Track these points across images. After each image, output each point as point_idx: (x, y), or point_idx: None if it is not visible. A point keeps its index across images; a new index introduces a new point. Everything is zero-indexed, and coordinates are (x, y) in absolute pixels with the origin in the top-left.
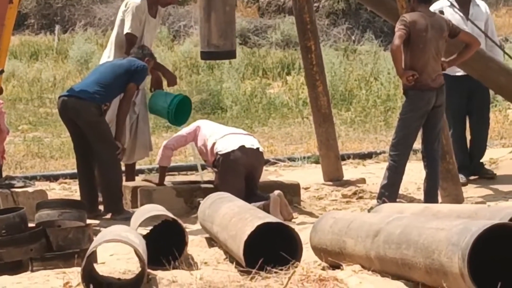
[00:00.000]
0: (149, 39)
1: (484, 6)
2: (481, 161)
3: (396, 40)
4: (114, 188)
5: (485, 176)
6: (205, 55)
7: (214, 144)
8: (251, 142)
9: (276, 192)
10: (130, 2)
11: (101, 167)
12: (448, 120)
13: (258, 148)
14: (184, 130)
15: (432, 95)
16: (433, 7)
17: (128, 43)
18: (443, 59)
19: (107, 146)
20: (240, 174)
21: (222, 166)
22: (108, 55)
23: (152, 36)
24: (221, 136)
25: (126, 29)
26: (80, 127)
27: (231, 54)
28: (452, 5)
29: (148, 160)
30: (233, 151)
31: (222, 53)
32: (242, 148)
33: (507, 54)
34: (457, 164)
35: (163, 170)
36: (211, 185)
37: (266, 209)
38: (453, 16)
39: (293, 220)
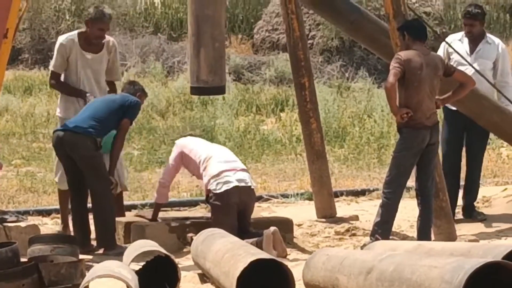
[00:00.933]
0: (91, 75)
1: (497, 45)
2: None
3: (391, 78)
4: (108, 223)
5: (476, 220)
6: (195, 91)
7: (208, 181)
8: (244, 180)
9: (272, 228)
10: (58, 40)
11: (96, 201)
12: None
13: (250, 186)
14: (170, 159)
15: (426, 133)
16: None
17: (50, 78)
18: (437, 97)
19: (102, 181)
20: (233, 212)
21: (215, 205)
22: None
23: (97, 71)
24: (216, 174)
25: (50, 66)
26: (75, 162)
27: (220, 90)
28: (460, 40)
29: (141, 195)
30: (226, 191)
31: (211, 88)
32: (235, 188)
33: (501, 92)
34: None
35: (159, 207)
36: (203, 220)
37: (259, 245)
38: (460, 51)
39: (286, 256)
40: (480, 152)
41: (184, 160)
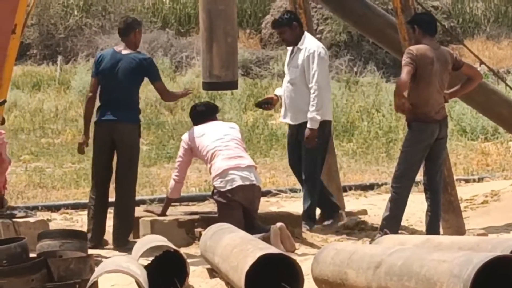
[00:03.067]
0: None
1: (304, 52)
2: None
3: (404, 76)
4: (131, 220)
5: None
6: (207, 86)
7: (214, 178)
8: (249, 178)
9: (278, 224)
10: None
11: (125, 198)
12: (317, 163)
13: (254, 184)
14: (179, 153)
15: (435, 127)
16: None
17: None
18: (445, 91)
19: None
20: (238, 208)
21: (219, 202)
22: None
23: None
24: (221, 172)
25: None
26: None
27: (233, 85)
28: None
29: (149, 190)
30: (230, 190)
31: (224, 83)
32: (239, 187)
33: (510, 86)
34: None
35: (170, 202)
36: (212, 215)
37: (266, 241)
38: (287, 56)
39: (294, 251)
40: (314, 158)
41: (194, 154)
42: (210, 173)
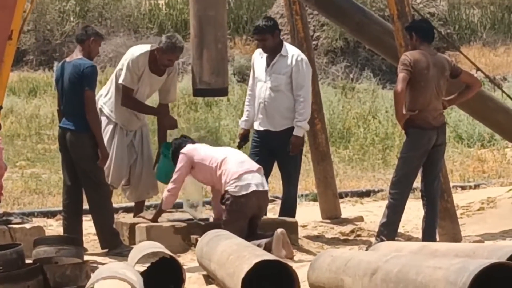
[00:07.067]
0: (143, 92)
1: (291, 59)
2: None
3: (400, 83)
4: (107, 224)
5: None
6: (197, 92)
7: (227, 182)
8: (262, 183)
9: (279, 230)
10: (129, 54)
11: (93, 207)
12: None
13: (266, 190)
14: (178, 167)
15: (433, 133)
16: None
17: (123, 93)
18: (443, 98)
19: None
20: (246, 216)
21: (231, 206)
22: (105, 93)
23: (152, 92)
24: (236, 176)
25: (120, 80)
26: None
27: (222, 92)
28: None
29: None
30: (244, 196)
31: (214, 90)
32: (253, 193)
33: (506, 93)
34: None
35: (162, 212)
36: (208, 222)
37: (268, 246)
38: (259, 63)
39: (292, 258)
40: (294, 170)
41: (196, 168)
42: (220, 179)
